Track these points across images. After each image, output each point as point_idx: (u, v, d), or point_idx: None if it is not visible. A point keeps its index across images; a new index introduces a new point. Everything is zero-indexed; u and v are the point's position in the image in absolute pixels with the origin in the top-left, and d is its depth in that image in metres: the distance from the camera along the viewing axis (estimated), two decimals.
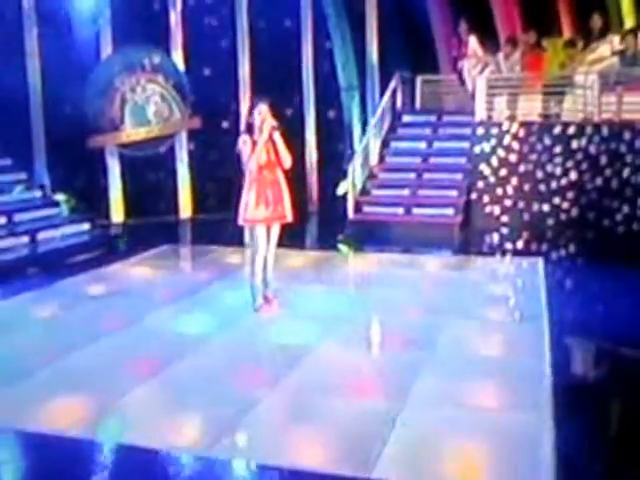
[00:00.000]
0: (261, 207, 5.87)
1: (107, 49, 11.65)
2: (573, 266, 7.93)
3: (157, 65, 11.72)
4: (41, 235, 8.61)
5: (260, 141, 5.82)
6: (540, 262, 7.41)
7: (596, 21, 9.71)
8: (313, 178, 12.23)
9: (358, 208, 9.65)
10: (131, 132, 11.73)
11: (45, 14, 11.24)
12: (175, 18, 11.74)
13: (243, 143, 5.87)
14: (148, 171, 12.11)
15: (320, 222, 11.10)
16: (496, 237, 9.06)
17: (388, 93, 10.82)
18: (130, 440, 3.54)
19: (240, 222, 5.94)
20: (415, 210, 9.40)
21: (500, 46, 10.81)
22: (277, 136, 5.89)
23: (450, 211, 9.32)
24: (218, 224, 10.04)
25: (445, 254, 8.27)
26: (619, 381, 4.36)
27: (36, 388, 4.23)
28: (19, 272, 7.39)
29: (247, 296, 5.87)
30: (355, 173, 9.75)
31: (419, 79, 11.58)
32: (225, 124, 12.22)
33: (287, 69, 11.86)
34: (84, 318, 5.70)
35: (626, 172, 8.59)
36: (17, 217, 8.79)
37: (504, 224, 9.38)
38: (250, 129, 5.93)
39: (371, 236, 8.99)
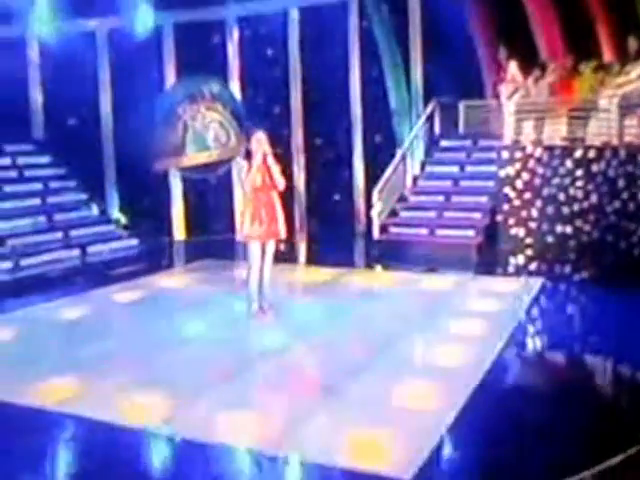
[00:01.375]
0: (255, 225, 6.65)
1: (170, 79, 12.86)
2: (574, 288, 8.17)
3: (216, 94, 12.74)
4: (91, 249, 9.77)
5: (254, 166, 6.61)
6: (538, 283, 7.77)
7: (631, 44, 9.91)
8: (360, 201, 12.83)
9: (385, 229, 10.26)
10: (192, 156, 12.79)
11: (115, 49, 12.60)
12: (232, 50, 12.81)
13: (241, 168, 6.67)
14: (207, 193, 13.19)
15: (366, 242, 11.62)
16: (514, 258, 9.39)
17: (423, 119, 11.36)
18: None
19: (238, 238, 6.75)
20: (438, 231, 9.90)
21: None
22: (271, 161, 6.65)
23: (471, 232, 9.76)
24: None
25: (453, 273, 8.69)
26: (536, 397, 4.72)
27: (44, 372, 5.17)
28: (63, 280, 8.53)
29: None
30: (381, 196, 10.37)
31: (462, 104, 12.02)
32: (278, 150, 13.10)
33: (335, 96, 12.62)
34: (101, 321, 6.67)
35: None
36: (73, 232, 9.99)
37: (528, 246, 9.70)
38: (249, 155, 6.73)
39: (392, 256, 9.58)
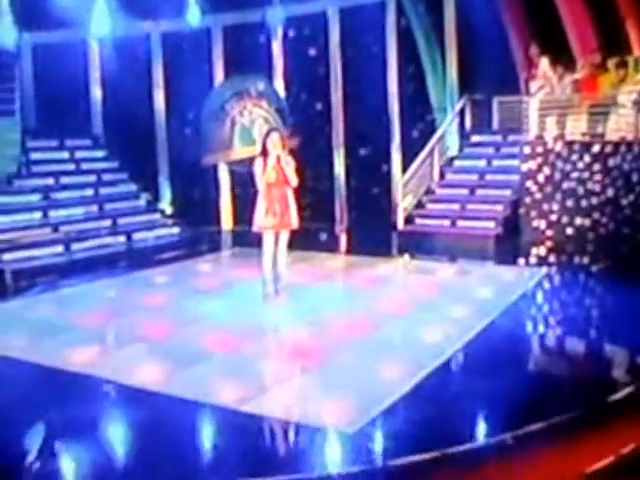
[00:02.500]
0: (269, 217, 7.39)
1: (219, 78, 13.75)
2: (579, 277, 8.57)
3: (261, 91, 13.58)
4: (136, 236, 10.78)
5: (268, 164, 7.34)
6: (542, 271, 8.25)
7: None
8: (398, 194, 13.39)
9: (410, 220, 10.85)
10: (239, 150, 13.66)
11: (168, 49, 13.58)
12: (276, 49, 13.60)
13: (257, 165, 7.43)
14: (253, 185, 14.01)
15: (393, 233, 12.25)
16: (535, 249, 9.83)
17: (452, 115, 11.86)
18: None
19: (253, 229, 7.52)
20: (460, 222, 10.43)
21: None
22: (284, 161, 7.36)
23: (491, 224, 10.24)
24: (311, 233, 11.83)
25: (471, 262, 9.23)
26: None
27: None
28: (108, 263, 9.54)
29: None
30: (408, 188, 10.96)
31: (495, 100, 12.45)
32: (321, 143, 13.86)
33: (374, 92, 13.21)
34: (134, 298, 7.59)
35: None
36: (121, 221, 11.02)
37: (549, 237, 10.12)
38: (265, 153, 7.47)
39: (416, 246, 10.18)
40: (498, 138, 11.74)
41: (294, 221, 7.48)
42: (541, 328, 6.58)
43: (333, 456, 4.11)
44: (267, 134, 7.49)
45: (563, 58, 11.60)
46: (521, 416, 4.47)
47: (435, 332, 6.09)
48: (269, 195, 7.36)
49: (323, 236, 12.30)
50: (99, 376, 5.17)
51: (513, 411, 4.55)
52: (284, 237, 7.51)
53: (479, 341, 5.84)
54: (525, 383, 5.00)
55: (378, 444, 4.16)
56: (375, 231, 11.70)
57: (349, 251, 11.41)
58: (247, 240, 10.73)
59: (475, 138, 12.08)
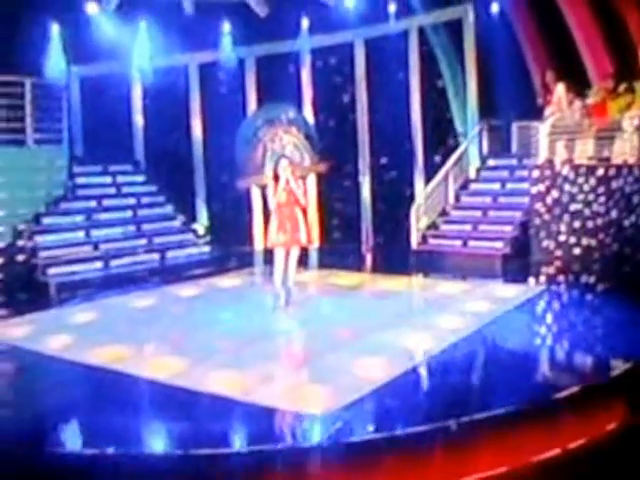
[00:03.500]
0: (280, 234, 8.39)
1: (252, 106, 14.91)
2: (573, 294, 9.28)
3: (291, 119, 14.57)
4: (169, 254, 11.94)
5: (279, 187, 8.35)
6: (539, 288, 9.02)
7: None
8: (412, 216, 14.16)
9: (424, 240, 11.72)
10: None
11: (205, 80, 14.82)
12: (305, 78, 14.70)
13: (269, 188, 8.44)
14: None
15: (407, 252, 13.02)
16: (544, 268, 10.55)
17: (467, 141, 12.72)
18: None
19: (266, 246, 8.51)
20: (471, 243, 11.24)
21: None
22: (292, 184, 8.35)
23: (499, 244, 11.03)
24: (338, 252, 12.89)
25: (477, 280, 10.00)
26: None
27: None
28: (142, 278, 10.68)
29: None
30: (420, 210, 11.85)
31: (515, 125, 13.25)
32: (348, 168, 14.86)
33: (399, 118, 14.16)
34: (162, 308, 8.66)
35: None
36: (156, 240, 12.21)
37: (557, 257, 10.84)
38: (276, 178, 8.48)
39: (428, 264, 11.03)
40: (513, 162, 12.50)
41: (304, 238, 8.45)
42: (516, 336, 7.25)
43: (305, 434, 5.02)
44: (277, 161, 8.48)
45: (579, 84, 12.30)
46: (473, 406, 5.31)
47: (419, 339, 6.94)
48: (280, 214, 8.36)
49: (349, 255, 13.24)
50: (126, 372, 6.18)
51: (466, 402, 5.40)
52: (294, 254, 8.49)
53: (456, 346, 6.66)
54: (482, 381, 5.83)
55: (342, 425, 5.03)
56: (397, 251, 12.57)
57: (373, 269, 12.31)
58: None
59: (491, 162, 12.88)
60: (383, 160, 14.45)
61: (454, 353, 6.47)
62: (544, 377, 5.96)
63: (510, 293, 9.01)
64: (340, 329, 7.48)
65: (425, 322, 7.61)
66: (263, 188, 14.74)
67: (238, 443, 4.93)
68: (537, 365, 6.40)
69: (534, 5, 13.16)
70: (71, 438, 5.06)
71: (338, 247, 14.17)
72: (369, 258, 13.40)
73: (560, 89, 12.20)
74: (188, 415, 5.30)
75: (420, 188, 13.89)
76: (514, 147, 13.28)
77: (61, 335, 7.48)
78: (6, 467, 4.71)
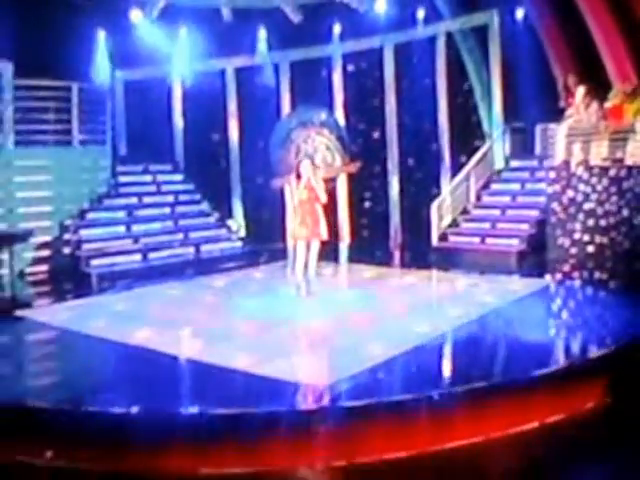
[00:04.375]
0: (302, 228, 9.22)
1: (286, 109, 15.79)
2: (579, 288, 9.90)
3: (324, 121, 15.45)
4: (204, 247, 12.92)
5: (300, 185, 9.19)
6: (543, 283, 9.68)
7: None
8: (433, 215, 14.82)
9: (445, 237, 12.43)
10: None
11: (241, 83, 15.77)
12: (337, 82, 15.53)
13: (289, 184, 9.29)
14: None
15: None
16: (556, 264, 11.16)
17: (489, 141, 13.38)
18: None
19: (289, 239, 9.35)
20: (489, 240, 11.91)
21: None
22: (313, 182, 9.18)
23: (515, 242, 11.68)
24: (366, 248, 13.71)
25: (491, 275, 10.66)
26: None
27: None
28: (177, 270, 11.65)
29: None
30: (441, 208, 12.56)
31: (538, 128, 13.86)
32: (377, 168, 15.64)
33: (426, 120, 14.89)
34: (192, 297, 9.58)
35: None
36: (192, 234, 13.21)
37: (572, 255, 11.44)
38: (298, 176, 9.32)
39: (447, 260, 11.75)
40: (534, 163, 13.11)
41: (323, 232, 9.26)
42: (510, 322, 7.90)
43: (306, 400, 5.84)
44: (299, 161, 9.32)
45: (601, 87, 12.82)
46: (457, 380, 6.07)
47: (424, 325, 7.66)
48: (302, 210, 9.18)
49: (376, 251, 14.02)
50: (158, 349, 7.06)
51: (451, 377, 6.16)
52: (315, 246, 9.30)
53: (454, 330, 7.41)
54: (468, 359, 6.58)
55: (341, 394, 5.84)
56: (421, 247, 13.32)
57: (396, 264, 13.05)
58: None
59: (514, 163, 13.51)
60: (411, 161, 15.17)
61: (450, 336, 7.21)
62: (527, 356, 6.63)
63: (521, 287, 9.66)
64: (353, 316, 8.28)
65: (433, 311, 8.35)
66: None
67: (244, 406, 5.75)
68: (522, 346, 7.08)
69: (557, 10, 13.72)
70: (104, 400, 5.94)
71: (367, 244, 14.97)
72: (394, 254, 14.13)
73: (580, 92, 12.74)
74: (204, 383, 6.16)
75: (446, 188, 14.57)
76: (537, 149, 13.86)
77: (100, 318, 8.43)
78: (50, 426, 5.61)
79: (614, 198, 10.99)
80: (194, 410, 5.65)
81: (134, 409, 5.57)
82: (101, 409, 5.67)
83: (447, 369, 6.37)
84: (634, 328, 7.29)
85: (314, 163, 9.61)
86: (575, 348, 7.00)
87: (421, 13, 14.56)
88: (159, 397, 5.87)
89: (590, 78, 13.05)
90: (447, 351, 6.84)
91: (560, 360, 6.59)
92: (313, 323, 8.14)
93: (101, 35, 14.45)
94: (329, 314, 8.36)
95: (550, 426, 6.07)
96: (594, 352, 6.71)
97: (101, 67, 14.42)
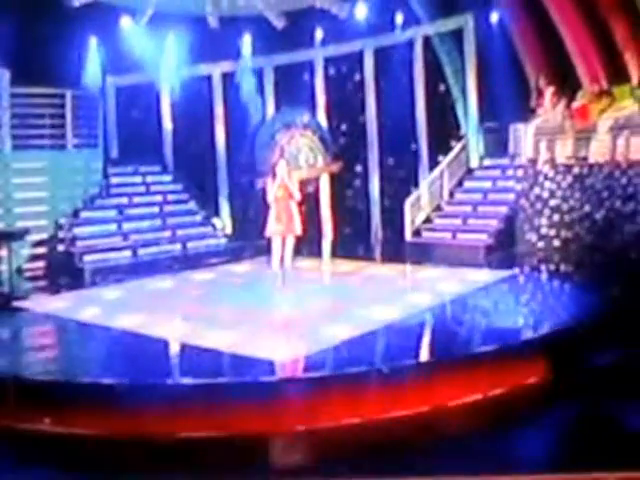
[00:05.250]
0: (277, 225, 10.14)
1: (270, 111, 16.73)
2: (536, 278, 10.82)
3: (306, 123, 16.38)
4: (190, 244, 13.88)
5: (275, 184, 10.11)
6: (506, 274, 10.62)
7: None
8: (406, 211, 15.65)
9: (419, 233, 13.37)
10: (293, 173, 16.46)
11: (228, 87, 16.71)
12: (319, 85, 16.47)
13: (268, 184, 10.21)
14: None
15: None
16: (525, 258, 12.08)
17: (461, 143, 14.32)
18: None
19: (265, 234, 10.27)
20: (459, 235, 12.84)
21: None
22: (287, 181, 10.10)
23: (484, 236, 12.61)
24: (348, 244, 14.64)
25: (460, 268, 11.54)
26: None
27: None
28: (165, 265, 12.58)
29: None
30: (415, 205, 13.51)
31: (511, 127, 14.76)
32: (358, 168, 16.58)
33: (405, 121, 15.81)
34: (178, 289, 10.51)
35: (618, 204, 11.22)
36: (179, 232, 14.18)
37: (539, 249, 12.37)
38: (274, 175, 10.25)
39: (420, 254, 12.69)
40: (506, 161, 14.02)
41: (297, 228, 10.19)
42: (465, 307, 8.83)
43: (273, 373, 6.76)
44: (276, 163, 10.24)
45: (572, 88, 13.70)
46: (407, 356, 6.99)
47: (389, 310, 8.57)
48: (277, 207, 10.11)
49: (356, 247, 14.92)
50: (144, 333, 7.99)
51: (403, 354, 7.08)
52: (290, 241, 10.23)
53: (414, 315, 8.34)
54: (419, 339, 7.52)
55: (303, 368, 6.77)
56: (399, 243, 14.25)
57: (371, 258, 13.88)
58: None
59: (486, 162, 14.44)
60: (391, 160, 16.09)
61: (405, 320, 8.14)
62: (474, 335, 7.57)
63: (484, 278, 10.57)
64: (321, 303, 9.21)
65: (397, 299, 9.24)
66: None
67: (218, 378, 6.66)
68: (470, 327, 8.02)
69: (530, 14, 14.64)
70: (94, 372, 6.87)
71: (349, 240, 15.88)
72: (373, 249, 15.05)
73: (548, 92, 13.67)
74: (184, 360, 7.11)
75: (425, 187, 15.49)
76: (510, 148, 14.76)
77: (92, 307, 9.35)
78: (46, 395, 6.53)
79: (577, 195, 11.90)
80: (173, 381, 6.58)
81: (121, 380, 6.48)
82: (92, 381, 6.61)
83: (399, 347, 7.25)
84: (576, 312, 8.21)
85: (289, 164, 10.46)
86: (517, 329, 7.89)
87: (399, 18, 15.42)
88: (142, 371, 6.80)
89: (562, 79, 13.95)
90: (401, 332, 7.72)
91: (503, 339, 7.47)
92: (284, 309, 9.08)
93: (93, 42, 15.31)
94: (300, 302, 9.29)
95: (493, 398, 6.96)
96: (534, 333, 7.61)
97: (93, 73, 15.33)
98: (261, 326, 8.19)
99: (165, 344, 7.63)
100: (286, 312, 8.96)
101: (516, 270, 11.09)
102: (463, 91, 15.44)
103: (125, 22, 15.20)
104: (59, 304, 9.75)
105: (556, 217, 12.17)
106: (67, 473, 6.05)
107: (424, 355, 7.04)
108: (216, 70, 16.77)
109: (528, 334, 7.67)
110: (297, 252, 11.10)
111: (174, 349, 7.53)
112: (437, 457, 5.85)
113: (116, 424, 6.21)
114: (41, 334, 8.68)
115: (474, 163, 14.84)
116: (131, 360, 7.15)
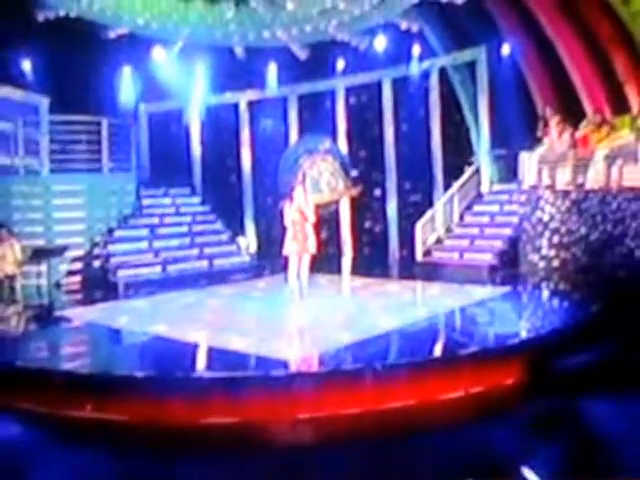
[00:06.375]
0: (294, 244, 11.50)
1: (293, 138, 18.21)
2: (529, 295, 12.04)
3: (328, 149, 17.85)
4: (216, 261, 15.35)
5: (293, 208, 11.48)
6: (502, 290, 11.86)
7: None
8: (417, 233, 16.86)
9: (429, 253, 14.67)
10: (310, 197, 17.86)
11: (254, 115, 18.24)
12: (340, 113, 17.91)
13: (286, 207, 11.59)
14: (321, 226, 18.22)
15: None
16: (527, 277, 13.29)
17: (471, 169, 15.63)
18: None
19: (284, 253, 11.63)
20: (466, 255, 14.11)
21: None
22: (303, 206, 11.46)
23: (489, 256, 13.86)
24: (366, 263, 15.98)
25: (466, 285, 12.78)
26: None
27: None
28: (192, 280, 14.02)
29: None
30: (426, 227, 14.82)
31: (522, 155, 16.01)
32: (377, 192, 17.94)
33: (421, 148, 17.16)
34: (203, 302, 11.94)
35: (609, 227, 12.41)
36: (206, 250, 15.67)
37: (540, 268, 13.57)
38: (292, 199, 11.63)
39: (430, 273, 13.98)
40: (514, 187, 15.27)
41: (312, 248, 11.53)
42: (459, 318, 10.12)
43: (283, 369, 8.08)
44: (293, 188, 11.62)
45: (577, 118, 14.92)
46: (398, 356, 8.29)
47: (389, 320, 9.83)
48: (293, 229, 11.47)
49: (374, 266, 16.21)
50: (171, 337, 9.35)
51: (395, 354, 8.38)
52: (305, 259, 11.58)
53: (411, 324, 9.63)
54: (411, 342, 8.81)
55: (309, 365, 8.09)
56: (412, 262, 15.56)
57: (384, 276, 15.08)
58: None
59: (496, 187, 15.72)
60: (407, 185, 17.44)
61: (406, 327, 9.43)
62: (460, 340, 8.84)
63: (483, 295, 11.81)
64: (333, 313, 10.54)
65: (401, 311, 10.52)
66: None
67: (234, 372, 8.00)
68: (460, 332, 9.30)
69: (538, 47, 15.95)
70: (128, 367, 8.27)
71: (367, 259, 17.23)
72: (390, 267, 16.37)
73: (553, 122, 14.89)
74: (206, 359, 8.49)
75: (440, 210, 16.77)
76: (520, 174, 16.00)
77: (125, 316, 10.78)
78: (87, 386, 7.91)
79: (574, 218, 13.10)
80: (196, 375, 7.95)
81: (151, 374, 7.87)
82: (127, 374, 8.00)
83: (394, 349, 8.56)
84: (554, 322, 9.45)
85: (306, 190, 11.84)
86: (500, 335, 9.14)
87: (416, 50, 16.81)
88: (169, 366, 8.18)
89: (567, 110, 15.21)
90: (397, 338, 9.02)
91: (485, 343, 8.74)
92: (299, 319, 10.42)
93: (127, 71, 16.94)
94: (313, 312, 10.62)
95: (473, 395, 8.18)
96: (514, 339, 8.84)
97: (126, 101, 16.94)
98: (273, 332, 9.50)
99: (189, 345, 8.97)
100: (298, 321, 10.28)
101: (512, 287, 12.29)
102: (476, 120, 16.69)
103: (157, 53, 16.69)
104: (95, 314, 11.16)
105: (556, 239, 13.33)
106: (105, 453, 7.38)
107: (415, 356, 8.28)
108: (242, 98, 18.26)
109: (508, 340, 8.86)
110: (319, 269, 12.54)
111: (197, 349, 8.86)
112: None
113: (147, 411, 7.50)
114: (81, 337, 10.13)
115: (485, 188, 16.06)
116: (160, 358, 8.51)
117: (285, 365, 8.05)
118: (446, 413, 7.77)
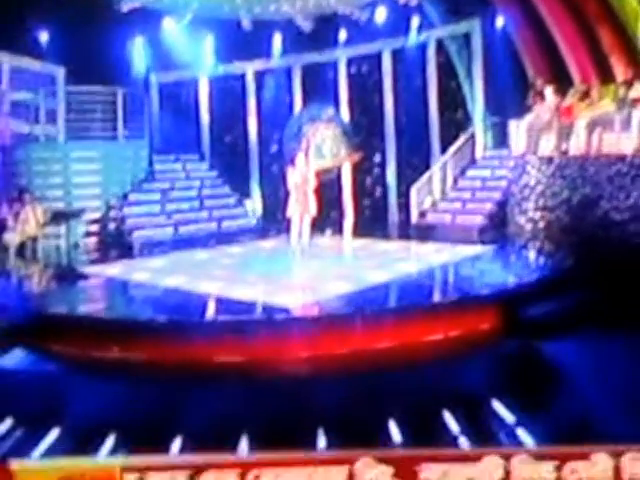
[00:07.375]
0: (296, 206, 12.72)
1: (298, 106, 19.35)
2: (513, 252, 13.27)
3: (330, 117, 18.97)
4: (224, 223, 16.65)
5: (294, 173, 12.69)
6: (490, 248, 13.10)
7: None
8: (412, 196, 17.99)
9: (424, 215, 15.90)
10: (313, 164, 19.05)
11: (260, 85, 19.38)
12: (342, 83, 19.04)
13: (288, 173, 12.81)
14: (324, 191, 19.40)
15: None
16: (514, 237, 14.50)
17: (465, 136, 16.78)
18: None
19: (287, 215, 12.88)
20: (458, 217, 15.33)
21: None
22: (304, 170, 12.67)
23: (479, 218, 15.08)
24: (366, 225, 17.22)
25: (457, 245, 13.98)
26: None
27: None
28: (203, 241, 15.30)
29: None
30: (422, 191, 16.02)
31: (512, 123, 17.14)
32: (377, 158, 19.11)
33: (418, 116, 18.28)
34: (215, 258, 13.23)
35: (587, 190, 13.57)
36: (215, 212, 16.96)
37: (527, 230, 14.76)
38: (294, 165, 12.85)
39: (424, 233, 15.22)
40: (504, 152, 16.41)
41: (313, 210, 12.77)
42: (442, 271, 11.43)
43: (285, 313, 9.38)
44: (295, 154, 12.84)
45: (564, 87, 15.98)
46: (384, 303, 9.57)
47: (380, 275, 11.10)
48: (295, 192, 12.70)
49: (373, 228, 17.39)
50: (185, 289, 10.63)
51: (382, 301, 9.66)
52: (306, 220, 12.84)
53: (401, 277, 10.90)
54: (397, 292, 10.09)
55: (308, 310, 9.38)
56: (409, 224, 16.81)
57: (382, 237, 16.23)
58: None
59: (488, 153, 16.87)
60: (406, 151, 18.59)
61: (394, 280, 10.70)
62: (440, 290, 10.11)
63: (472, 252, 13.04)
64: (329, 268, 11.81)
65: (391, 266, 11.78)
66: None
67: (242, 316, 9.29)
68: (442, 282, 10.57)
69: (530, 20, 16.96)
70: (149, 313, 9.58)
71: (368, 221, 18.44)
72: (387, 229, 17.61)
73: (548, 92, 15.95)
74: (218, 305, 9.78)
75: (427, 174, 17.89)
76: (509, 141, 17.13)
77: (142, 272, 12.06)
78: (112, 330, 9.19)
79: (558, 181, 14.24)
80: (208, 319, 9.26)
81: (171, 317, 9.18)
82: (147, 318, 9.31)
83: (382, 298, 9.84)
84: (530, 276, 10.70)
85: (307, 156, 13.05)
86: (478, 286, 10.40)
87: (414, 22, 17.85)
88: (185, 312, 9.49)
89: (559, 79, 16.25)
90: (386, 288, 10.30)
91: (464, 293, 10.00)
92: (300, 273, 11.70)
93: (138, 42, 18.03)
94: (312, 267, 11.90)
95: (451, 338, 9.44)
96: (490, 289, 10.09)
97: (137, 72, 18.07)
98: (279, 285, 10.77)
99: (202, 295, 10.25)
100: (300, 275, 11.56)
101: (498, 246, 13.54)
102: (471, 88, 17.79)
103: (167, 24, 17.74)
104: (115, 270, 12.43)
105: (541, 202, 14.49)
106: (130, 389, 8.66)
107: (401, 304, 9.56)
108: (249, 68, 19.36)
109: (485, 290, 10.10)
110: (322, 231, 13.62)
111: (210, 299, 10.13)
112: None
113: (167, 351, 8.72)
114: (104, 290, 11.44)
115: (479, 154, 17.22)
116: (177, 306, 9.79)
117: (287, 311, 9.29)
118: (428, 353, 8.97)
